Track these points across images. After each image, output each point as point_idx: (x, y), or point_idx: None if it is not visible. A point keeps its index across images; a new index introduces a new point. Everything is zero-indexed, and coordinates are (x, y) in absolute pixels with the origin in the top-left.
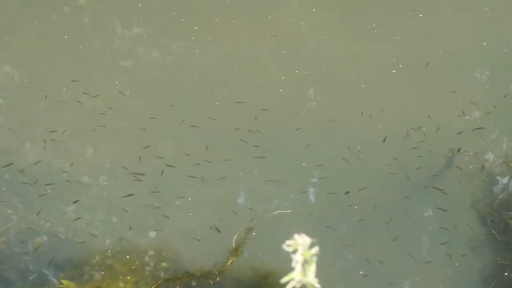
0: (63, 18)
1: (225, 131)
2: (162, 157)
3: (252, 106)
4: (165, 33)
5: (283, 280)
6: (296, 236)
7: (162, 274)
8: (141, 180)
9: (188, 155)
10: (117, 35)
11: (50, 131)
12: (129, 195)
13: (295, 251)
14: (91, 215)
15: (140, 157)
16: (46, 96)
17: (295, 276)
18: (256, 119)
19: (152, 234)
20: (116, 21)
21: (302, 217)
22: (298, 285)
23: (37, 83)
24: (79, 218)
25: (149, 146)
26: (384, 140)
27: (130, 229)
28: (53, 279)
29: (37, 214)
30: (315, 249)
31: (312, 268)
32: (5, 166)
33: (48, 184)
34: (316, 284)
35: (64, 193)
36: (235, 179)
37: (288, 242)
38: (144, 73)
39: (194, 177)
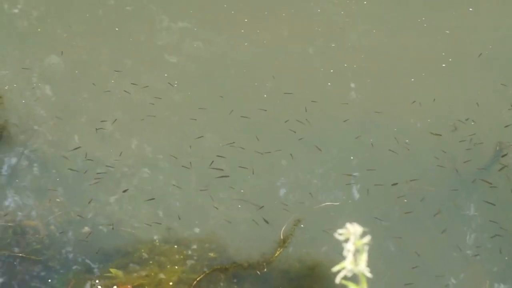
0: (109, 9)
1: (274, 122)
2: (211, 148)
3: (300, 97)
4: (214, 26)
5: (335, 269)
6: (348, 225)
7: (209, 264)
8: (189, 168)
9: (241, 147)
10: (164, 27)
11: (100, 121)
12: (176, 186)
13: (346, 240)
14: (139, 205)
15: (190, 146)
16: (93, 84)
17: (347, 265)
18: (306, 110)
19: (200, 224)
20: (162, 14)
21: (349, 209)
22: (349, 274)
23: (84, 74)
24: (128, 207)
25: (202, 136)
26: (433, 134)
27: (179, 218)
28: (101, 268)
29: (89, 203)
30: (367, 238)
31: (364, 257)
32: (73, 150)
33: (99, 173)
34: (368, 273)
35: (112, 182)
36: (285, 170)
37: (340, 230)
38: (192, 66)
39: (244, 167)
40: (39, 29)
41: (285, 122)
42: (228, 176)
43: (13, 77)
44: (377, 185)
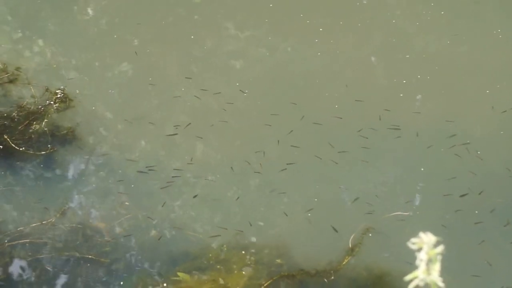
0: (178, 18)
1: (346, 129)
2: (281, 154)
3: (373, 106)
4: (289, 35)
5: (407, 277)
6: (421, 234)
7: (276, 271)
8: (260, 173)
9: (317, 156)
10: (232, 35)
11: (172, 126)
12: (247, 191)
13: (419, 249)
14: (208, 210)
15: (264, 152)
16: (162, 89)
17: (419, 274)
18: (380, 119)
19: (268, 230)
20: (228, 22)
21: (417, 219)
22: (421, 283)
23: (153, 80)
24: (196, 212)
25: (272, 142)
26: (506, 145)
27: (250, 225)
28: (169, 272)
29: (162, 206)
30: (440, 248)
31: (437, 267)
32: (140, 154)
33: (169, 178)
34: (440, 283)
35: (181, 187)
36: (355, 178)
37: (413, 240)
38: (263, 74)
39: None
40: (115, 36)
41: (358, 131)
42: (298, 183)
43: (84, 82)
44: (446, 195)
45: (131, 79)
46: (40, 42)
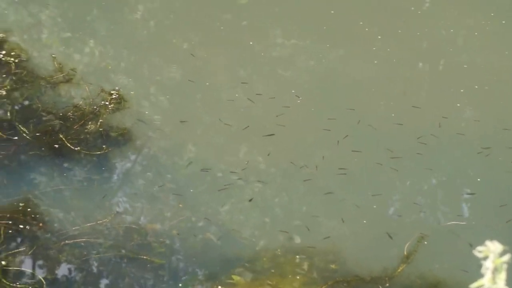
0: (226, 23)
1: (404, 136)
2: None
3: (430, 113)
4: (346, 42)
5: (472, 286)
6: (487, 242)
7: (330, 276)
8: (310, 180)
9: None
10: (287, 41)
11: (223, 124)
12: (303, 195)
13: (485, 258)
14: (263, 213)
15: (323, 156)
16: (211, 92)
17: (485, 283)
18: (439, 126)
19: (323, 235)
20: (276, 29)
21: (473, 228)
22: None
23: (201, 83)
24: (251, 215)
25: (338, 141)
26: None
27: (308, 229)
28: (223, 275)
29: (222, 207)
30: (507, 257)
31: (502, 276)
32: (190, 157)
33: (224, 181)
34: None
35: (236, 190)
36: (413, 185)
37: (479, 248)
38: (318, 80)
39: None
40: (172, 39)
41: (418, 138)
42: (354, 188)
43: (133, 84)
44: (502, 206)
45: (179, 82)
46: (91, 43)
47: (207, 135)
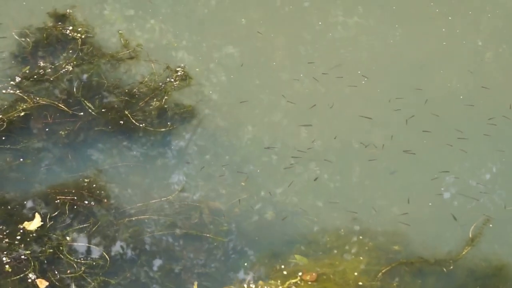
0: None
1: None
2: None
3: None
4: (415, 23)
5: None
6: None
7: (393, 257)
8: (375, 159)
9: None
10: (356, 20)
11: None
12: (362, 178)
13: None
14: (328, 193)
15: (392, 136)
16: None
17: None
18: (510, 107)
19: (386, 217)
20: (352, 6)
21: None
22: None
23: (258, 62)
24: (314, 195)
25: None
26: None
27: (375, 211)
28: (286, 254)
29: (288, 186)
30: None
31: None
32: (267, 147)
33: (294, 157)
34: None
35: (301, 169)
36: (479, 167)
37: None
38: (386, 60)
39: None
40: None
41: (489, 119)
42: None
43: (196, 62)
44: None
45: (238, 61)
46: (153, 21)
47: (271, 114)
